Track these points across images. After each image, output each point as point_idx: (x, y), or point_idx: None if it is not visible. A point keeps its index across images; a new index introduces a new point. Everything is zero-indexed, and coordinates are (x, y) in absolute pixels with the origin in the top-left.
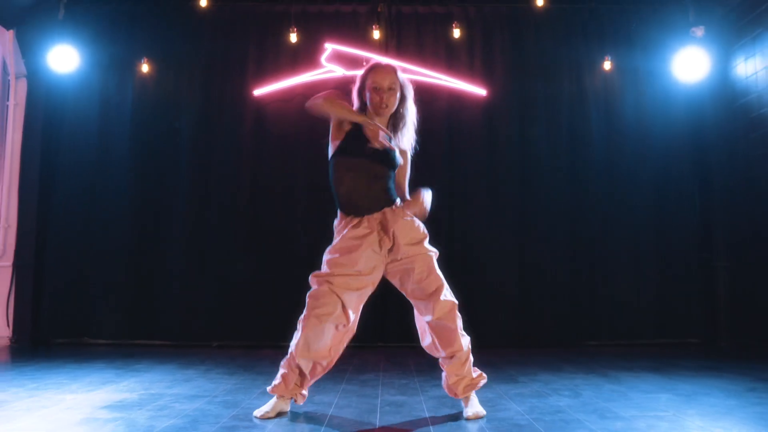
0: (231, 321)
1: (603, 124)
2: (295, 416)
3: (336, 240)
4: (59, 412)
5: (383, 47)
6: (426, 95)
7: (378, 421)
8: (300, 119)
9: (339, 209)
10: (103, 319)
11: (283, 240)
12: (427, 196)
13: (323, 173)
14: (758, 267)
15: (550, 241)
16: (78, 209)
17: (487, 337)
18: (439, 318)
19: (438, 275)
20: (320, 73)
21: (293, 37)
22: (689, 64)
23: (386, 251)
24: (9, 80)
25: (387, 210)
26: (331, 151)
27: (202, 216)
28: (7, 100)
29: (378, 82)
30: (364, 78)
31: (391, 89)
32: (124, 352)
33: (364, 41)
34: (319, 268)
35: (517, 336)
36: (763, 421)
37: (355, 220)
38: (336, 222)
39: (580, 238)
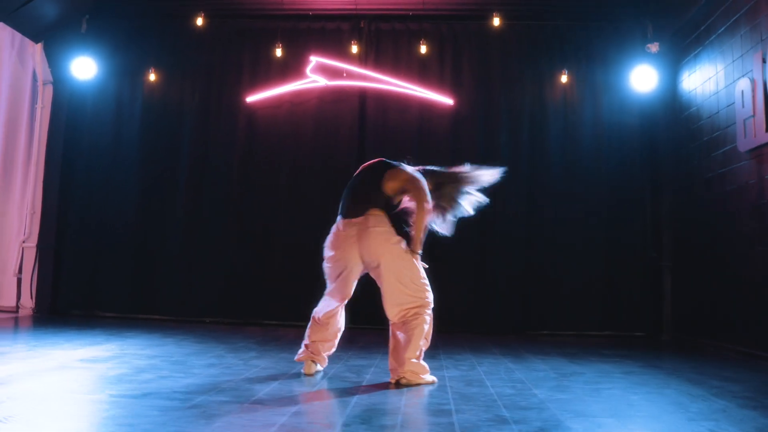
0: (223, 300)
1: (561, 131)
2: (221, 363)
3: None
4: (42, 362)
5: (363, 60)
6: (399, 104)
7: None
8: (287, 124)
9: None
10: (113, 295)
11: (269, 229)
12: None
13: (305, 170)
14: (699, 268)
15: (508, 238)
16: (93, 199)
17: (446, 323)
18: None
19: None
20: (305, 83)
21: (278, 52)
22: (643, 77)
23: None
24: (38, 87)
25: None
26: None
27: (199, 206)
28: (36, 103)
29: None
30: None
31: None
32: (124, 324)
33: (346, 54)
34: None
35: (474, 323)
36: (592, 393)
37: None
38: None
39: (536, 237)
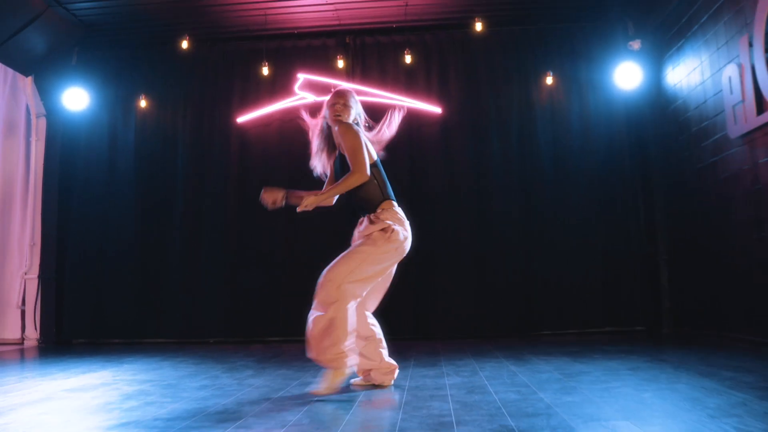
0: (226, 319)
1: (550, 132)
2: (213, 385)
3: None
4: (26, 395)
5: (349, 74)
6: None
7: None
8: (278, 141)
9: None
10: (117, 321)
11: (267, 246)
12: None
13: (299, 187)
14: (695, 258)
15: (504, 240)
16: (91, 228)
17: (449, 329)
18: None
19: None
20: (294, 100)
21: (265, 71)
22: (627, 74)
23: None
24: (31, 120)
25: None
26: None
27: (197, 229)
28: (30, 137)
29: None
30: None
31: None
32: (128, 349)
33: (333, 70)
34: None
35: (476, 328)
36: (601, 394)
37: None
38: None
39: (533, 239)
